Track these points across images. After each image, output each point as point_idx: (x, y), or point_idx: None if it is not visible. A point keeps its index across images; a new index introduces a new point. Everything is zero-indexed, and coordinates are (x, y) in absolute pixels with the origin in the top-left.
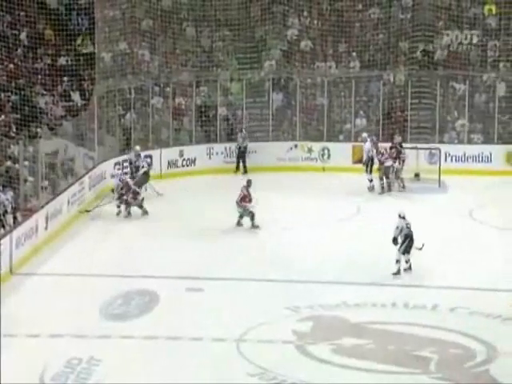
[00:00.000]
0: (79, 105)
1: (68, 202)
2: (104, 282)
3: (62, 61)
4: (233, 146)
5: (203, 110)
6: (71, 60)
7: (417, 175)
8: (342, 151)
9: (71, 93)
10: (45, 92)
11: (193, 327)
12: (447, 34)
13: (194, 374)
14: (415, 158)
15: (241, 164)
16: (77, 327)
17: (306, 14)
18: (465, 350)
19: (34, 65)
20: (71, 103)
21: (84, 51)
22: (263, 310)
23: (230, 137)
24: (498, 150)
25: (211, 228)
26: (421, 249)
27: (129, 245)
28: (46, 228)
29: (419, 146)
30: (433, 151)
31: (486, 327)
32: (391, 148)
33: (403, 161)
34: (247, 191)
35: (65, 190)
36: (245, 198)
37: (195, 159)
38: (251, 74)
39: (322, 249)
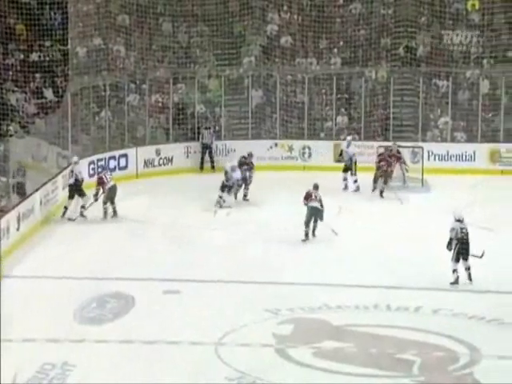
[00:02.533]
0: (52, 102)
1: (40, 203)
2: (78, 285)
3: (34, 56)
4: None
5: (180, 107)
6: (44, 56)
7: None
8: (323, 149)
9: (44, 90)
10: (16, 89)
11: (170, 331)
12: (428, 30)
13: (172, 379)
14: None
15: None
16: (50, 331)
17: (285, 8)
18: (448, 353)
19: (4, 61)
20: (44, 100)
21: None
22: (242, 312)
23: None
24: (481, 149)
25: (188, 228)
26: (481, 257)
27: (103, 246)
28: (18, 229)
29: (402, 144)
30: (415, 150)
31: (470, 329)
32: (390, 157)
33: (405, 165)
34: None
35: (37, 189)
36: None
37: (172, 158)
38: (230, 71)
39: (301, 250)
